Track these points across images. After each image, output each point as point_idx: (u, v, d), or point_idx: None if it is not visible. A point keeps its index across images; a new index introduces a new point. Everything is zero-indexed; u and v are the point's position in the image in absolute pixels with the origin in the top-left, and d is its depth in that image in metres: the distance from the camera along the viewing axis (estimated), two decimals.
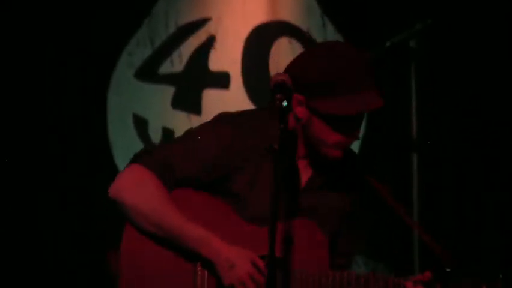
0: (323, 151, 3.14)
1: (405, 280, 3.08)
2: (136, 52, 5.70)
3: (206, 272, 3.11)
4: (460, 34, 5.44)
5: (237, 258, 3.06)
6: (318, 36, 5.75)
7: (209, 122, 3.21)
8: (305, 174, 3.22)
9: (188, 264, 3.12)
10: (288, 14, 5.78)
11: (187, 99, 5.71)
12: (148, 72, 5.71)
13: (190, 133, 3.19)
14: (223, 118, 3.20)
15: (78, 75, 5.54)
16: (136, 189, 3.10)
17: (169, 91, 5.71)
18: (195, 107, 5.67)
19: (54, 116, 5.51)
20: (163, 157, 3.13)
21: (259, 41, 5.73)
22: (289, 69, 3.09)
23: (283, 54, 5.72)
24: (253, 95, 5.71)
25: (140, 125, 5.68)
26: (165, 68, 5.70)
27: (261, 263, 3.06)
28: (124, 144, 5.64)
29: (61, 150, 5.51)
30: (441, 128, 5.48)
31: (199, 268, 3.11)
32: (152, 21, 5.71)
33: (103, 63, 5.62)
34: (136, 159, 3.15)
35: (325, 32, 5.76)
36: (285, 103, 2.81)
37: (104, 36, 5.57)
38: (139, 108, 5.69)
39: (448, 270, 3.05)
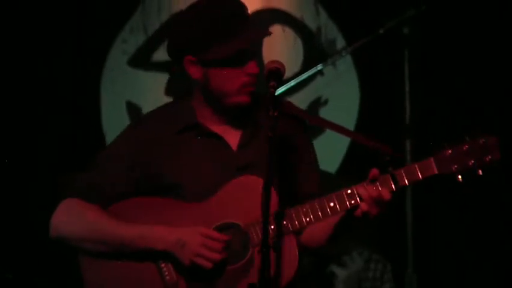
0: (231, 102, 3.16)
1: (355, 186, 3.04)
2: (130, 39, 5.70)
3: (170, 265, 3.11)
4: (453, 20, 5.45)
5: (185, 236, 3.06)
6: (311, 23, 5.75)
7: (118, 134, 3.33)
8: (233, 136, 3.22)
9: (151, 266, 3.12)
10: (281, 1, 5.78)
11: (181, 87, 5.70)
12: (142, 60, 5.71)
13: (103, 150, 3.28)
14: (131, 124, 3.36)
15: (71, 62, 5.54)
16: (69, 220, 3.18)
17: (162, 78, 5.71)
18: (188, 95, 5.66)
19: (47, 104, 5.52)
20: (85, 182, 3.21)
21: None
22: (171, 38, 3.23)
23: (276, 41, 5.72)
24: None
25: (134, 112, 5.68)
26: (159, 55, 5.70)
27: (210, 232, 3.06)
28: (117, 131, 5.63)
29: (54, 139, 5.51)
30: (435, 114, 5.49)
31: (162, 264, 3.11)
32: (146, 8, 5.71)
33: (97, 51, 5.62)
34: (62, 195, 3.22)
35: (319, 19, 5.75)
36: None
37: (97, 23, 5.57)
38: (133, 96, 5.70)
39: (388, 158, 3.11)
